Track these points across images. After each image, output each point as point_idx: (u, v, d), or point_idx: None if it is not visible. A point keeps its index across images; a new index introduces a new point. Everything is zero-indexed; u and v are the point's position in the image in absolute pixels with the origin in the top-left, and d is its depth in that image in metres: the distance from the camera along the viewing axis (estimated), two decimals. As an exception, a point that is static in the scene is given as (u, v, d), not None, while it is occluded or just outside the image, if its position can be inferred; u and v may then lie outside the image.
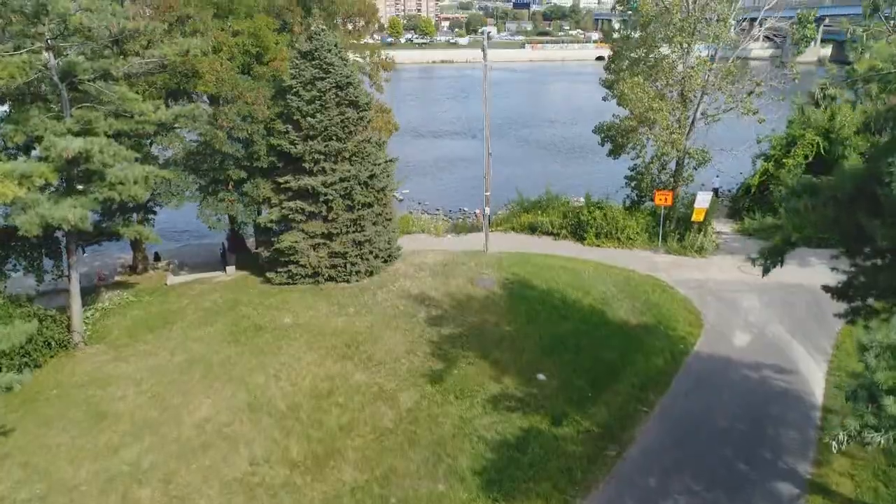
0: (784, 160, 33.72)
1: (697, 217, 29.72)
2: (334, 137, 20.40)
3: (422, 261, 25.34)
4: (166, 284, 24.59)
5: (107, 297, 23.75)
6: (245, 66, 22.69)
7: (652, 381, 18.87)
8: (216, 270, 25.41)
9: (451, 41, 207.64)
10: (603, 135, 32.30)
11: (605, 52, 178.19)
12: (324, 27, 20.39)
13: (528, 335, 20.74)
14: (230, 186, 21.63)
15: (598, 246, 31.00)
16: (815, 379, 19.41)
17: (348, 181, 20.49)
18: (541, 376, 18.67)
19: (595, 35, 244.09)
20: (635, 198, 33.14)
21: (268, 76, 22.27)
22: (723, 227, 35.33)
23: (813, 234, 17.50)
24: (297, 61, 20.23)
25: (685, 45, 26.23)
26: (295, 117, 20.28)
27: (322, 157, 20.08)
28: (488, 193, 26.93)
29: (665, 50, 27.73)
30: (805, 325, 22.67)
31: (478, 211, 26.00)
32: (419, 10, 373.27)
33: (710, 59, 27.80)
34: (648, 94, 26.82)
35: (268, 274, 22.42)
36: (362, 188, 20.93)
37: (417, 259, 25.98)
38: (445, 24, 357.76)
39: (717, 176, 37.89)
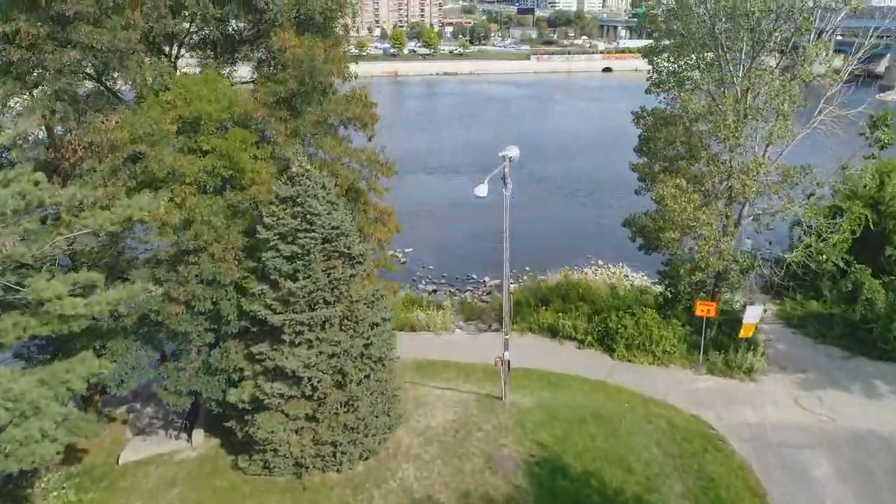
0: (828, 235, 29.04)
1: (746, 333, 25.76)
2: (321, 302, 16.48)
3: (427, 424, 21.14)
4: (118, 464, 20.13)
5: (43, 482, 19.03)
6: (216, 189, 18.79)
7: None
8: (181, 435, 21.14)
9: (456, 52, 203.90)
10: (633, 229, 28.30)
11: (612, 63, 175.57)
12: (307, 167, 16.39)
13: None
14: (195, 352, 17.76)
15: (630, 361, 27.01)
16: None
17: (338, 356, 16.60)
18: None
19: (601, 44, 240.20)
20: (669, 295, 29.15)
21: (244, 206, 18.38)
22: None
23: None
24: (275, 207, 16.27)
25: (737, 147, 22.22)
26: (272, 277, 16.36)
27: (306, 328, 16.22)
28: (507, 336, 22.56)
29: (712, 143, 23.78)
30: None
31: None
32: (422, 15, 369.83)
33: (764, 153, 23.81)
34: (693, 202, 22.83)
35: (240, 461, 18.50)
36: (356, 362, 17.07)
37: (423, 421, 21.56)
38: (448, 28, 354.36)
39: (749, 238, 33.76)
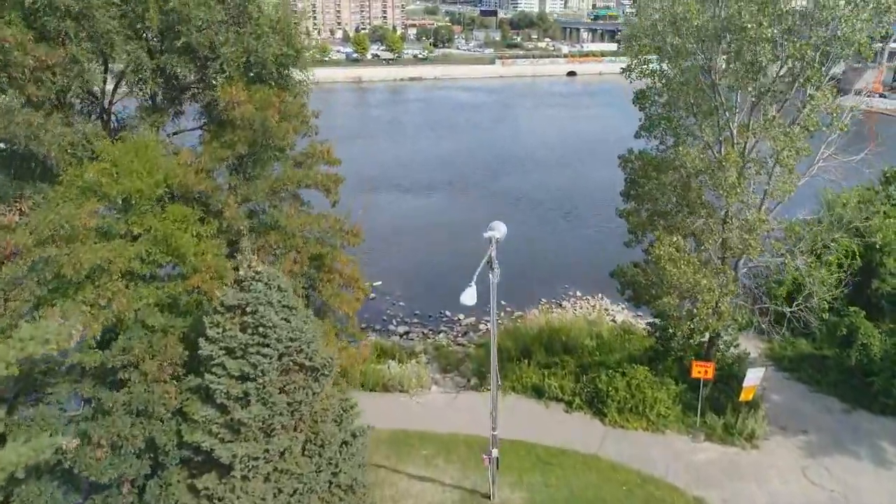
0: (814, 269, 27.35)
1: (746, 397, 23.98)
2: (279, 427, 13.78)
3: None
4: None
5: None
6: (151, 275, 15.92)
7: None
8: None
9: (420, 56, 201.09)
10: (622, 281, 26.25)
11: (576, 66, 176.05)
12: (257, 269, 13.64)
13: None
14: (126, 487, 14.85)
15: (623, 426, 24.92)
16: None
17: (301, 493, 13.95)
18: None
19: (565, 47, 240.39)
20: (660, 348, 27.24)
21: (184, 299, 15.56)
22: (747, 342, 29.59)
23: None
24: (221, 317, 13.48)
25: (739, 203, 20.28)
26: (218, 400, 13.59)
27: (262, 460, 13.52)
28: (496, 451, 19.90)
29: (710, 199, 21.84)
30: None
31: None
32: (384, 16, 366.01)
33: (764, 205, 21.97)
34: (693, 265, 20.82)
35: None
36: (322, 495, 14.43)
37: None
38: (412, 30, 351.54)
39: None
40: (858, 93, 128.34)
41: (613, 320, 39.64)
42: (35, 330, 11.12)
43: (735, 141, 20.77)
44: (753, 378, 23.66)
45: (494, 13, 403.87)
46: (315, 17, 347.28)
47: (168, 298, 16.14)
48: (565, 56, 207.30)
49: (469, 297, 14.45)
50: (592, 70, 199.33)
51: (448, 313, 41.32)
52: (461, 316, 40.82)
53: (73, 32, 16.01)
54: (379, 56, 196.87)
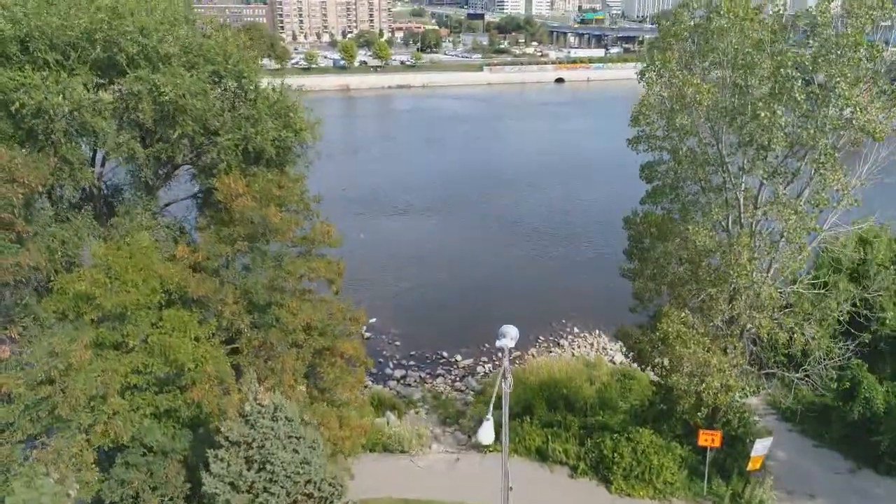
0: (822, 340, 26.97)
1: (754, 466, 23.66)
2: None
3: None
4: None
5: None
6: (147, 385, 15.22)
7: None
8: None
9: (408, 62, 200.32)
10: (626, 343, 25.84)
11: (564, 73, 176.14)
12: (262, 403, 12.99)
13: None
14: None
15: (630, 495, 24.50)
16: None
17: None
18: None
19: (552, 53, 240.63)
20: (664, 409, 26.86)
21: (184, 413, 14.89)
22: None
23: None
24: (224, 452, 12.80)
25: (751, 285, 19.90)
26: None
27: None
28: None
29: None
30: None
31: None
32: (371, 19, 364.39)
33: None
34: (703, 343, 20.43)
35: None
36: None
37: None
38: (399, 34, 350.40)
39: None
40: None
41: (612, 361, 39.35)
42: (28, 492, 10.44)
43: (743, 218, 20.39)
44: (761, 448, 23.35)
45: (481, 16, 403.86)
46: (301, 22, 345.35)
47: (167, 406, 15.49)
48: (553, 63, 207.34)
49: (486, 435, 13.90)
50: (580, 77, 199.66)
51: (445, 354, 40.77)
52: (458, 357, 40.32)
53: (62, 133, 15.31)
54: (367, 63, 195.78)
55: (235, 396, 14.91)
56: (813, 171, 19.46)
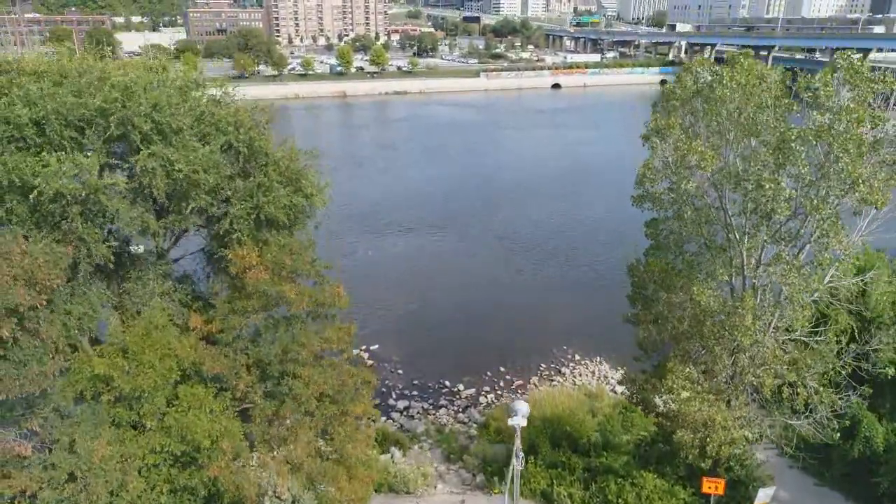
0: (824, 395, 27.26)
1: (757, 514, 23.95)
2: None
3: None
4: None
5: None
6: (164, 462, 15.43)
7: None
8: None
9: (405, 68, 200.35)
10: (630, 388, 26.15)
11: (561, 79, 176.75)
12: (280, 496, 13.24)
13: None
14: None
15: (634, 541, 24.85)
16: None
17: None
18: None
19: (549, 57, 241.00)
20: (667, 449, 27.15)
21: (199, 493, 15.13)
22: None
23: None
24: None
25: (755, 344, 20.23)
26: None
27: None
28: None
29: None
30: None
31: None
32: (367, 22, 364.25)
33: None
34: (707, 400, 20.75)
35: None
36: None
37: None
38: (395, 37, 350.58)
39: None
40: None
41: (613, 390, 39.67)
42: None
43: (746, 276, 20.71)
44: (764, 496, 23.73)
45: (477, 19, 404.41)
46: (297, 25, 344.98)
47: (184, 482, 15.70)
48: (550, 68, 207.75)
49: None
50: (577, 83, 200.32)
51: (447, 383, 40.97)
52: (461, 387, 40.55)
53: (79, 215, 15.50)
54: (363, 69, 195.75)
55: (251, 473, 15.12)
56: (815, 231, 19.79)
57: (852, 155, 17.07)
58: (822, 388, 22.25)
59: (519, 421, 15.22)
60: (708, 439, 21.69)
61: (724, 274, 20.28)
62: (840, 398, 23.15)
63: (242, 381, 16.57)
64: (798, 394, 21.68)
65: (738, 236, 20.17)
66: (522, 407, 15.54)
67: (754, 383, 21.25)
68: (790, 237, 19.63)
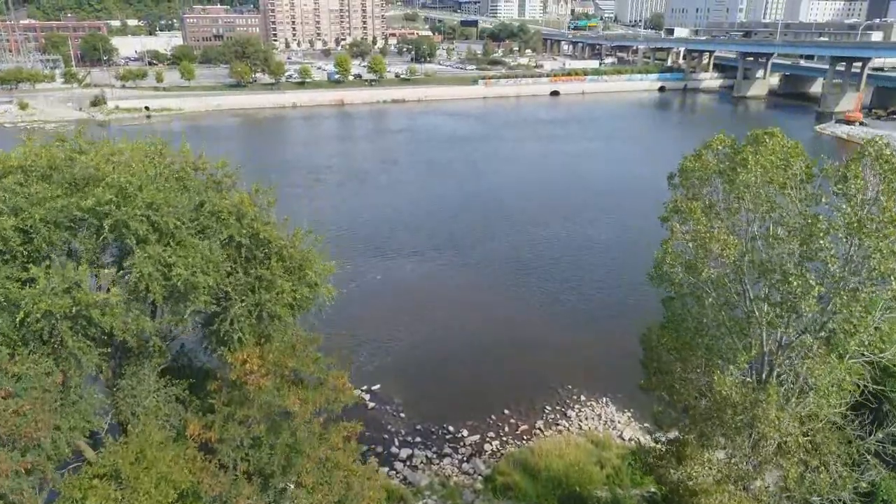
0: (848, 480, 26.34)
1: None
2: None
3: None
4: None
5: None
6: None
7: None
8: None
9: (403, 76, 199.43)
10: (645, 462, 25.31)
11: (559, 86, 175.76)
12: None
13: None
14: None
15: None
16: None
17: None
18: None
19: (547, 63, 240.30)
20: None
21: None
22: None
23: None
24: None
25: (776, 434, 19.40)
26: None
27: None
28: None
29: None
30: None
31: None
32: (364, 26, 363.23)
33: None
34: (728, 492, 19.91)
35: None
36: None
37: None
38: (393, 41, 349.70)
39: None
40: (839, 121, 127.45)
41: (621, 436, 38.85)
42: None
43: (768, 362, 19.90)
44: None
45: (475, 23, 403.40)
46: (294, 29, 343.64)
47: None
48: (548, 75, 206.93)
49: None
50: (575, 90, 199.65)
51: (451, 429, 39.99)
52: (465, 432, 39.61)
53: (69, 331, 14.59)
54: (361, 76, 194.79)
55: None
56: (842, 324, 18.94)
57: (885, 253, 16.25)
58: (845, 474, 21.43)
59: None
60: None
61: (745, 361, 19.43)
62: (863, 481, 22.35)
63: (242, 499, 15.66)
64: (821, 479, 20.85)
65: (761, 320, 19.32)
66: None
67: (773, 471, 20.43)
68: (816, 328, 18.79)
